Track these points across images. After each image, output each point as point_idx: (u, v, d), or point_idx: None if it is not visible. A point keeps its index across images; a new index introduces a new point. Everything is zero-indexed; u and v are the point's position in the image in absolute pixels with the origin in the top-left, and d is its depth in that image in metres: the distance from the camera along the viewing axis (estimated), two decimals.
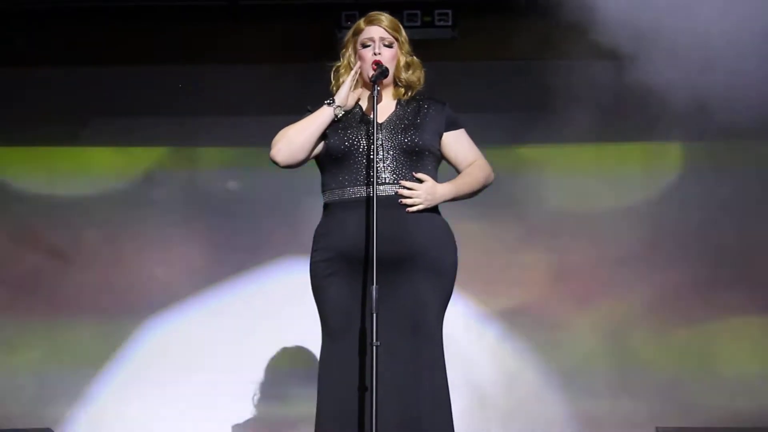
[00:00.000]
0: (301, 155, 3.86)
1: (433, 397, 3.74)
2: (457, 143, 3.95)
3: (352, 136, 3.85)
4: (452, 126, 3.95)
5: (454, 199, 3.88)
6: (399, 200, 3.78)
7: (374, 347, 3.53)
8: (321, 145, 3.90)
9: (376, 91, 3.77)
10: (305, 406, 5.59)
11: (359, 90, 3.89)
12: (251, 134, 6.19)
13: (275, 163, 3.88)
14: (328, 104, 3.84)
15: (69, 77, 6.20)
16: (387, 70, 3.86)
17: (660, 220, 6.04)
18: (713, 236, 5.93)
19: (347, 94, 3.85)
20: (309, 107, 3.95)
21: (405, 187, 3.78)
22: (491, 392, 5.89)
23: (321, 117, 3.85)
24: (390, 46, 3.93)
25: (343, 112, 3.85)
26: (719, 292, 5.92)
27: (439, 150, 3.93)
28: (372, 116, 3.77)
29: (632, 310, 5.98)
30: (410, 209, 3.78)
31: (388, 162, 3.82)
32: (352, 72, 3.86)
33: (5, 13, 6.07)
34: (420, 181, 3.82)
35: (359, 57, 3.92)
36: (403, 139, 3.83)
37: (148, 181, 6.22)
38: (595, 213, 6.04)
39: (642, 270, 5.97)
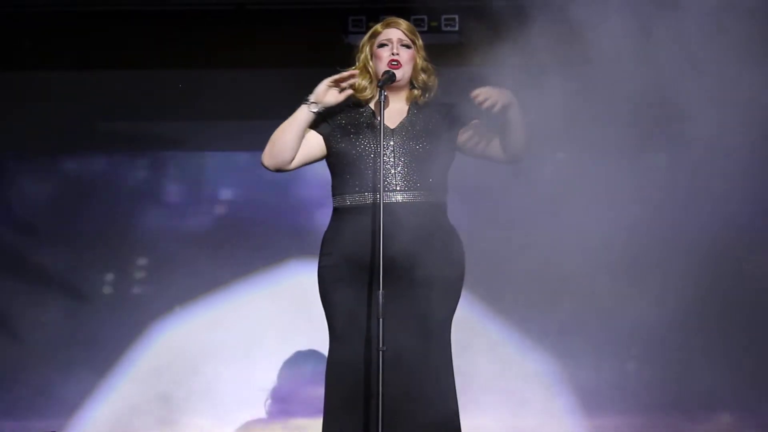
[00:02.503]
0: (283, 155, 3.85)
1: (440, 403, 3.75)
2: (481, 129, 3.89)
3: (363, 141, 3.85)
4: (468, 118, 3.92)
5: (516, 117, 3.78)
6: (409, 204, 3.79)
7: (381, 352, 3.55)
8: (323, 148, 3.90)
9: (382, 97, 3.78)
10: (312, 409, 5.63)
11: (348, 90, 3.84)
12: (257, 138, 6.17)
13: (265, 167, 3.89)
14: (305, 102, 3.83)
15: (75, 81, 6.20)
16: (394, 75, 3.87)
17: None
18: None
19: (324, 90, 3.81)
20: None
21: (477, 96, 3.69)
22: (495, 395, 5.88)
23: (298, 115, 3.84)
24: (408, 47, 3.94)
25: (322, 109, 3.82)
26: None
27: (454, 152, 3.92)
28: (381, 120, 3.77)
29: (643, 313, 5.97)
30: (496, 109, 3.70)
31: (399, 168, 3.82)
32: (343, 73, 3.82)
33: (13, 16, 6.08)
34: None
35: (375, 56, 3.92)
36: (415, 146, 3.83)
37: (154, 184, 6.22)
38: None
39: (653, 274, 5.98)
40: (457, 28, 5.95)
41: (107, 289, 6.10)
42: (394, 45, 3.92)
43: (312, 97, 3.83)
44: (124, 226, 6.16)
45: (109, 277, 6.12)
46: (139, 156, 6.23)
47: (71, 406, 5.99)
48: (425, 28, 5.81)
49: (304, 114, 3.83)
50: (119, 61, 6.16)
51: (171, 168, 6.25)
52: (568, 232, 5.94)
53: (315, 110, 3.82)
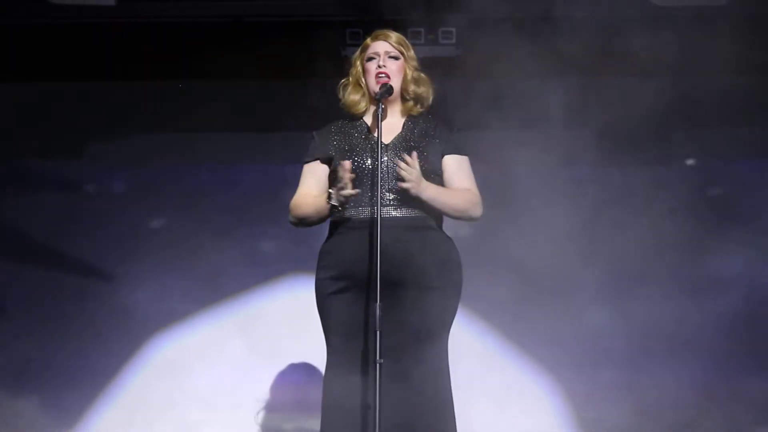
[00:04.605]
0: (312, 225, 3.95)
1: (437, 415, 3.75)
2: (454, 167, 3.92)
3: (358, 157, 3.86)
4: (456, 150, 3.94)
5: (431, 204, 3.81)
6: (404, 219, 3.79)
7: (378, 365, 3.55)
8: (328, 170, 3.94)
9: (380, 110, 3.79)
10: (310, 422, 5.62)
11: (357, 190, 3.77)
12: (255, 150, 6.20)
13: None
14: (328, 200, 3.81)
15: (71, 92, 6.21)
16: (391, 88, 3.88)
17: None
18: None
19: (343, 198, 3.76)
20: (314, 132, 3.98)
21: (404, 161, 3.73)
22: (490, 407, 5.88)
23: (323, 212, 3.85)
24: (396, 58, 3.94)
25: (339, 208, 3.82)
26: None
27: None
28: (378, 134, 3.78)
29: (640, 321, 5.97)
30: (401, 185, 3.73)
31: (393, 183, 3.82)
32: (344, 182, 3.73)
33: (10, 27, 6.10)
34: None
35: (365, 70, 3.94)
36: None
37: (151, 197, 6.21)
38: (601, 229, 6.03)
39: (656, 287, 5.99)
40: (454, 41, 5.95)
41: (104, 303, 6.08)
42: (381, 57, 3.93)
43: (334, 201, 3.79)
44: (120, 239, 6.15)
45: (106, 290, 6.10)
46: (135, 168, 6.22)
47: (67, 423, 5.97)
48: (423, 41, 5.81)
49: (326, 210, 3.84)
50: (117, 73, 6.16)
51: (168, 181, 6.24)
52: (564, 243, 5.96)
53: (335, 210, 3.83)
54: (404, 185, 3.74)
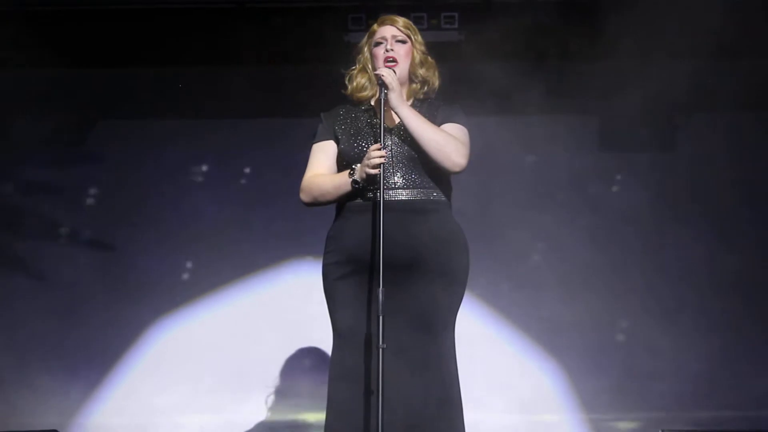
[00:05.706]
0: (327, 203, 3.92)
1: (443, 400, 3.75)
2: (447, 130, 3.88)
3: (363, 141, 3.86)
4: (453, 120, 3.91)
5: (410, 127, 3.77)
6: (410, 202, 3.79)
7: (381, 350, 3.55)
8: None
9: (383, 94, 3.78)
10: (315, 407, 5.64)
11: (378, 170, 3.73)
12: (256, 136, 6.20)
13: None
14: (350, 174, 3.80)
15: (74, 79, 6.20)
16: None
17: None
18: None
19: (367, 177, 3.75)
20: (322, 113, 3.97)
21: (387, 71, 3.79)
22: (495, 391, 5.89)
23: (342, 188, 3.82)
24: (403, 42, 3.94)
25: (361, 185, 3.80)
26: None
27: None
28: (380, 119, 3.77)
29: (641, 313, 5.97)
30: (382, 76, 3.76)
31: (398, 167, 3.82)
32: (374, 158, 3.72)
33: (12, 14, 6.08)
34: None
35: (373, 56, 3.94)
36: (413, 144, 3.82)
37: (156, 183, 6.21)
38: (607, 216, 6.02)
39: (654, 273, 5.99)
40: (456, 26, 5.95)
41: (110, 288, 6.09)
42: (388, 42, 3.93)
43: (357, 177, 3.77)
44: (124, 225, 6.15)
45: (111, 276, 6.11)
46: (137, 154, 6.22)
47: (71, 405, 5.98)
48: (425, 26, 5.80)
49: (347, 186, 3.82)
50: (119, 59, 6.15)
51: (172, 167, 6.23)
52: (568, 229, 5.96)
53: (357, 186, 3.80)
54: (386, 80, 3.74)
